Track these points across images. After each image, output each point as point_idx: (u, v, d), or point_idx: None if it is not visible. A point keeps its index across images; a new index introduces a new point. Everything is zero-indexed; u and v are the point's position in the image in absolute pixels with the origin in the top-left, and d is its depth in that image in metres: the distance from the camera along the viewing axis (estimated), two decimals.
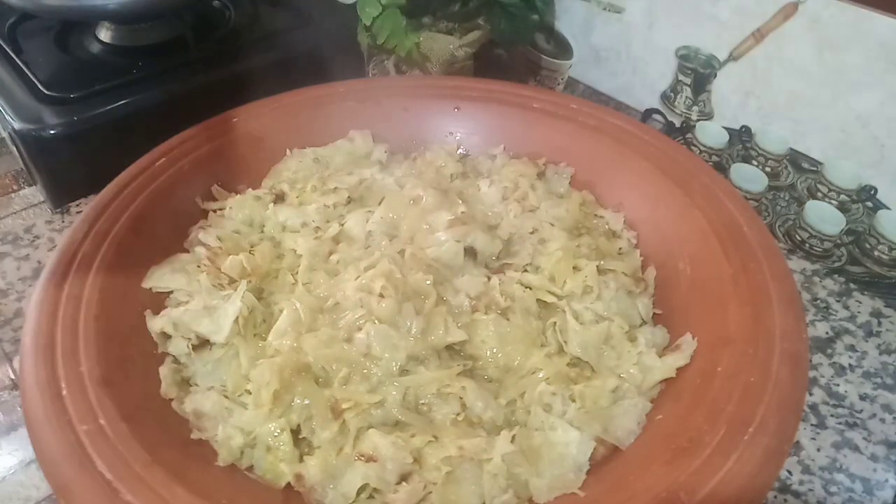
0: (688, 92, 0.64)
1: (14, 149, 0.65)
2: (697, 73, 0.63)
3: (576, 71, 0.74)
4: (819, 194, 0.58)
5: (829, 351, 0.51)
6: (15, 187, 0.65)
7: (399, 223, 0.51)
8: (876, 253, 0.56)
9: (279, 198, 0.54)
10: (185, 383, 0.43)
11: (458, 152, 0.61)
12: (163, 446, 0.37)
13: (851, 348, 0.51)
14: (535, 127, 0.59)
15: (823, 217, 0.58)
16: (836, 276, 0.57)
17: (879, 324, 0.53)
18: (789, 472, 0.43)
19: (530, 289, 0.46)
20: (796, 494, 0.42)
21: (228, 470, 0.39)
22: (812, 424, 0.46)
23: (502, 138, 0.60)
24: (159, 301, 0.47)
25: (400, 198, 0.53)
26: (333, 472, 0.38)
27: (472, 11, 0.69)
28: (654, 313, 0.48)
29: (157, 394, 0.42)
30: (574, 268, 0.47)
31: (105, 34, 0.72)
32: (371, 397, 0.40)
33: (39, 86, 0.64)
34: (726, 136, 0.63)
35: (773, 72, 0.57)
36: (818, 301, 0.55)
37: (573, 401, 0.41)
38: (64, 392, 0.37)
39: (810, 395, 0.48)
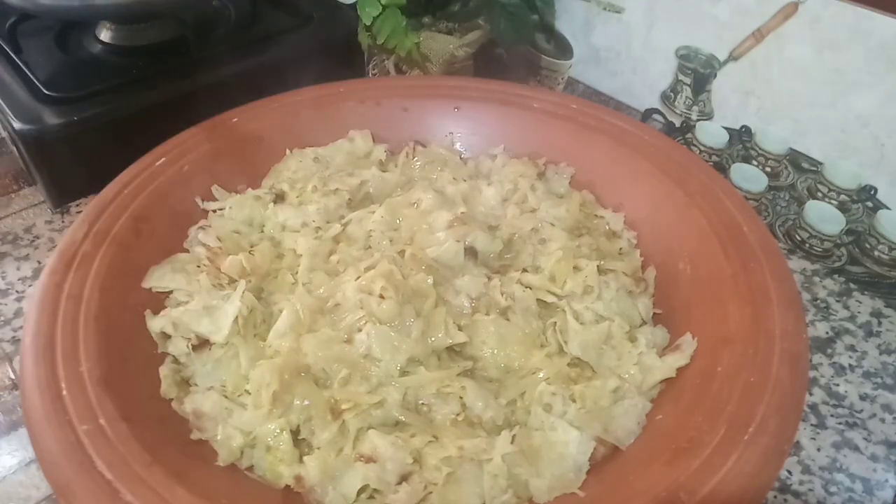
0: (688, 92, 0.64)
1: (14, 149, 0.65)
2: (697, 73, 0.63)
3: (576, 71, 0.74)
4: (819, 194, 0.58)
5: (829, 351, 0.51)
6: (15, 187, 0.65)
7: (399, 223, 0.51)
8: (876, 253, 0.56)
9: (279, 198, 0.54)
10: (185, 383, 0.43)
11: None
12: (163, 446, 0.37)
13: (851, 348, 0.51)
14: (535, 127, 0.59)
15: (823, 217, 0.58)
16: (836, 276, 0.57)
17: (879, 324, 0.53)
18: (789, 472, 0.43)
19: (530, 289, 0.46)
20: (796, 494, 0.42)
21: (228, 470, 0.39)
22: (812, 424, 0.46)
23: (502, 138, 0.60)
24: (159, 301, 0.47)
25: (400, 198, 0.53)
26: (333, 473, 0.38)
27: (472, 11, 0.69)
28: (655, 313, 0.48)
29: (157, 394, 0.42)
30: (574, 268, 0.47)
31: (105, 34, 0.72)
32: (371, 398, 0.40)
33: (39, 86, 0.64)
34: (726, 136, 0.63)
35: (773, 72, 0.57)
36: (818, 301, 0.55)
37: (573, 401, 0.41)
38: (64, 392, 0.37)
39: (810, 395, 0.48)
